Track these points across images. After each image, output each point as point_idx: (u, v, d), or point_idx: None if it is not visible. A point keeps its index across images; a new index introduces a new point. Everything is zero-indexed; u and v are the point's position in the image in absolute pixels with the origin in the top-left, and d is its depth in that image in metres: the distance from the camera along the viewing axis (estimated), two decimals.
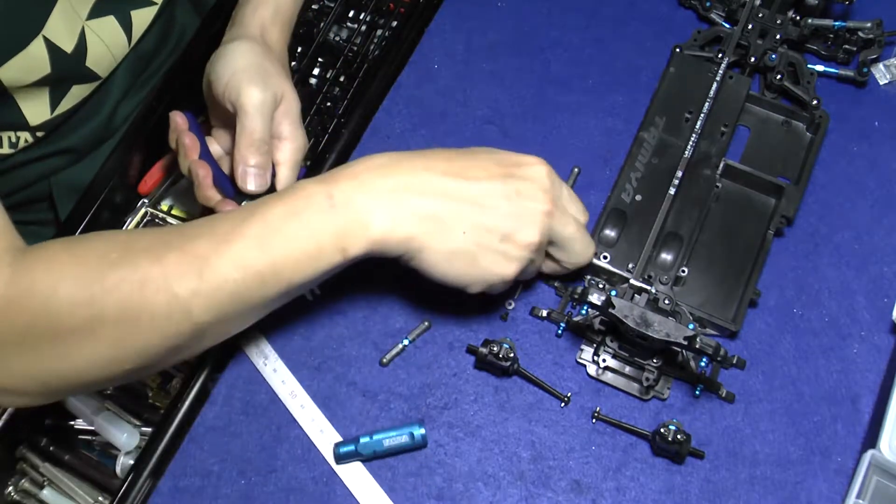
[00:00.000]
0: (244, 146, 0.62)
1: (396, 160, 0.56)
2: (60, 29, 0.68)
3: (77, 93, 0.74)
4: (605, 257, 0.68)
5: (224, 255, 0.52)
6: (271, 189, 0.64)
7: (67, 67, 0.70)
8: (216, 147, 0.68)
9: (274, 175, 0.65)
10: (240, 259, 0.52)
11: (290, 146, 0.66)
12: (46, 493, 0.69)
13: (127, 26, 0.75)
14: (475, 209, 0.56)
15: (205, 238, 0.53)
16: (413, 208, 0.54)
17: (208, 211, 0.65)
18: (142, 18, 0.76)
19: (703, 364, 0.64)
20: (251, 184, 0.63)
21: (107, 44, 0.73)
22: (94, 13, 0.71)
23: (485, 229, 0.56)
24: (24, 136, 0.73)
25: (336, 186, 0.54)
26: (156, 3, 0.77)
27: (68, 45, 0.69)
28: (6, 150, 0.72)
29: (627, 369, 0.66)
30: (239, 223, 0.53)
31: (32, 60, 0.67)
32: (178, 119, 0.66)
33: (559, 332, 0.68)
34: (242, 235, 0.53)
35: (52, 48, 0.68)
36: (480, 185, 0.57)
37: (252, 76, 0.63)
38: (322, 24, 0.81)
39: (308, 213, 0.53)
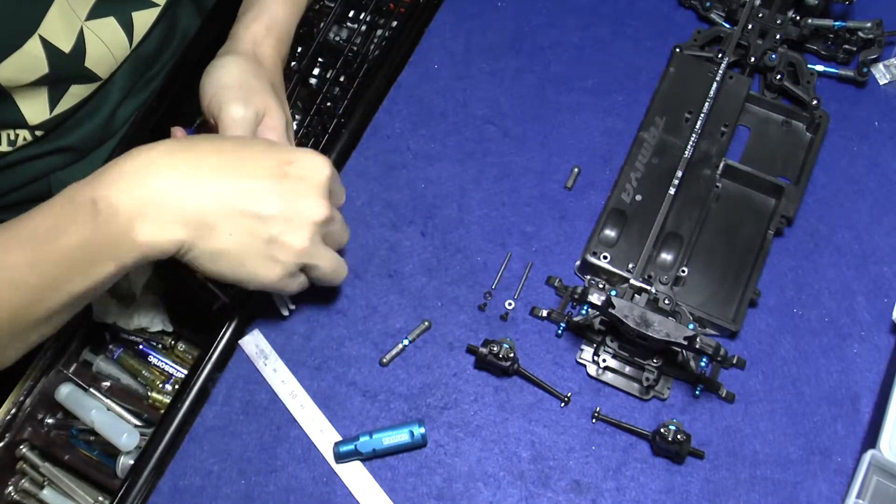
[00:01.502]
0: None
1: (166, 154, 0.53)
2: (58, 28, 0.68)
3: (77, 92, 0.74)
4: (605, 257, 0.68)
5: None
6: None
7: (66, 67, 0.70)
8: None
9: None
10: (13, 275, 0.52)
11: None
12: (46, 493, 0.69)
13: (128, 27, 0.75)
14: (243, 207, 0.54)
15: None
16: (179, 212, 0.52)
17: None
18: (143, 20, 0.76)
19: (703, 364, 0.64)
20: None
21: (107, 45, 0.73)
22: (94, 14, 0.71)
23: (251, 231, 0.55)
24: (23, 135, 0.73)
25: (101, 191, 0.51)
26: (158, 5, 0.77)
27: (66, 45, 0.69)
28: (5, 147, 0.72)
29: (627, 369, 0.66)
30: (10, 238, 0.52)
31: (29, 59, 0.67)
32: (178, 134, 0.67)
33: (559, 332, 0.68)
34: (13, 252, 0.52)
35: (49, 48, 0.68)
36: (251, 182, 0.54)
37: (234, 93, 0.63)
38: (322, 24, 0.81)
39: (75, 225, 0.51)
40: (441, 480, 0.64)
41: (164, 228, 0.52)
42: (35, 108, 0.71)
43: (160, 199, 0.52)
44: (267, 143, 0.58)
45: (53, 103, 0.72)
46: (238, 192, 0.54)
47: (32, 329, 0.55)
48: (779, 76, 0.75)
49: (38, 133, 0.73)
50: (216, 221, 0.53)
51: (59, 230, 0.52)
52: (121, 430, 0.68)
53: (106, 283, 0.54)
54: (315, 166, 0.57)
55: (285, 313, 0.69)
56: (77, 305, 0.56)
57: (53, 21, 0.67)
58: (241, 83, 0.64)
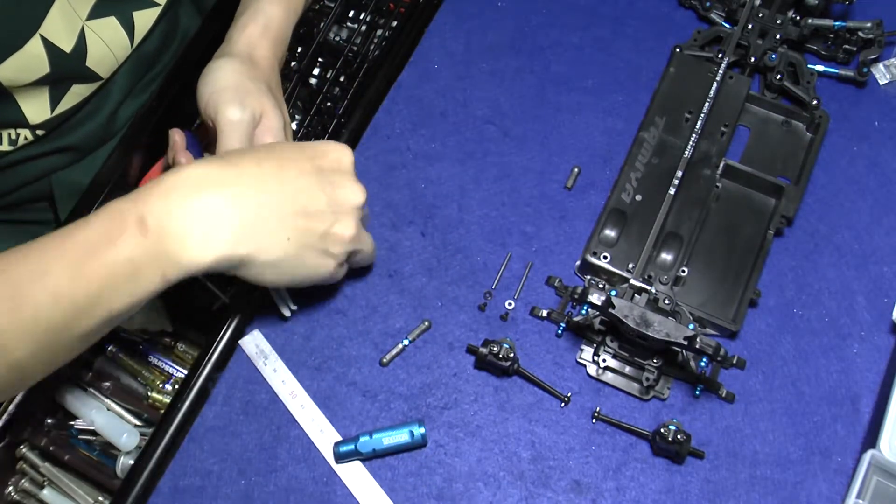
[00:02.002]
0: None
1: (212, 170, 0.53)
2: (59, 28, 0.68)
3: (78, 92, 0.74)
4: (605, 257, 0.68)
5: (37, 284, 0.49)
6: None
7: (67, 67, 0.70)
8: None
9: None
10: (54, 288, 0.50)
11: None
12: (46, 493, 0.69)
13: (129, 27, 0.75)
14: (295, 209, 0.55)
15: (21, 265, 0.50)
16: (229, 226, 0.52)
17: None
18: (144, 19, 0.76)
19: (703, 364, 0.64)
20: None
21: (108, 44, 0.73)
22: (95, 13, 0.71)
23: (306, 229, 0.56)
24: (24, 134, 0.73)
25: (148, 207, 0.51)
26: (158, 4, 0.77)
27: (67, 45, 0.69)
28: (6, 146, 0.72)
29: (627, 369, 0.66)
30: (52, 250, 0.51)
31: (30, 60, 0.67)
32: (177, 137, 0.67)
33: (559, 332, 0.68)
34: (55, 265, 0.50)
35: (51, 48, 0.68)
36: (295, 184, 0.56)
37: (230, 95, 0.63)
38: (322, 24, 0.81)
39: (122, 240, 0.50)
40: (441, 480, 0.64)
41: (214, 243, 0.52)
42: (36, 108, 0.71)
43: (210, 215, 0.52)
44: (293, 144, 0.60)
45: (55, 103, 0.72)
46: (286, 196, 0.55)
47: (63, 350, 0.53)
48: (779, 76, 0.75)
49: (39, 132, 0.73)
50: (272, 229, 0.54)
51: (105, 245, 0.50)
52: (121, 430, 0.68)
53: (145, 301, 0.53)
54: (341, 154, 0.60)
55: (287, 314, 0.69)
56: (108, 327, 0.54)
57: (54, 21, 0.68)
58: (237, 85, 0.64)
